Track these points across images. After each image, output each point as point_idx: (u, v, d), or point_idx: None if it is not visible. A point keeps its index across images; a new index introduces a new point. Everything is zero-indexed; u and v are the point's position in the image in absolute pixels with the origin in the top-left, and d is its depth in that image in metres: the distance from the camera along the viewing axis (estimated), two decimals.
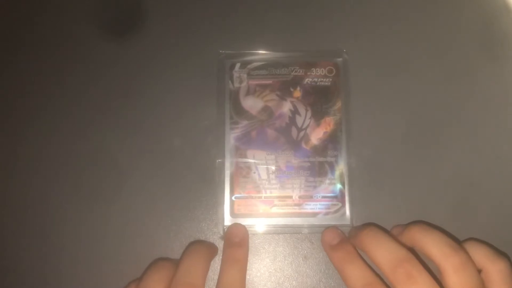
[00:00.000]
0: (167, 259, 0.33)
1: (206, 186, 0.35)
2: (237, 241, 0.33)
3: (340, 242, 0.32)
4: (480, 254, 0.30)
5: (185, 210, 0.35)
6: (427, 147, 0.36)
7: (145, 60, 0.37)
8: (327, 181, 0.35)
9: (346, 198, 0.35)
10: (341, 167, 0.35)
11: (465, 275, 0.28)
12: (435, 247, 0.29)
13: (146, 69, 0.37)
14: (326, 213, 0.35)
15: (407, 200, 0.35)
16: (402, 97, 0.37)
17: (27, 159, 0.36)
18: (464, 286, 0.27)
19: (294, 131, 0.35)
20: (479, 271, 0.29)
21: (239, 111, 0.36)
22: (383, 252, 0.29)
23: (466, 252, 0.29)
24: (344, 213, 0.35)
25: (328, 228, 0.34)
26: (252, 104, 0.36)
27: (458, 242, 0.30)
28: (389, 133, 0.36)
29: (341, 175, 0.35)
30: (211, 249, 0.33)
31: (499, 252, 0.30)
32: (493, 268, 0.29)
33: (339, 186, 0.35)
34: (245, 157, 0.35)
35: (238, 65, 0.36)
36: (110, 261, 0.35)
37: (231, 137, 0.35)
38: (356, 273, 0.30)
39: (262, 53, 0.37)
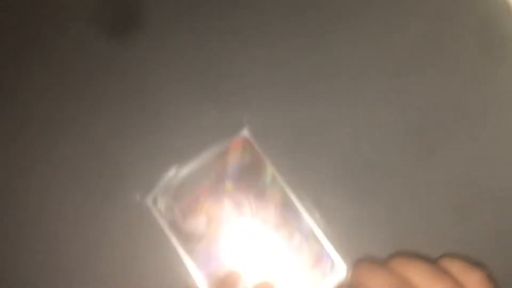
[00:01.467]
0: None
1: None
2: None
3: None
4: (456, 269, 0.30)
5: None
6: (426, 147, 0.36)
7: (145, 60, 0.38)
8: (309, 249, 0.34)
9: (330, 251, 0.34)
10: (309, 226, 0.34)
11: None
12: (419, 276, 0.29)
13: (146, 69, 0.37)
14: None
15: (407, 200, 0.35)
16: (401, 97, 0.37)
17: (27, 159, 0.36)
18: None
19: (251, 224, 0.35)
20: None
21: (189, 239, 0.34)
22: (378, 280, 0.29)
23: (450, 277, 0.29)
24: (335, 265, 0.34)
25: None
26: (195, 224, 0.34)
27: (433, 261, 0.30)
28: (389, 133, 0.36)
29: (314, 235, 0.34)
30: None
31: (475, 264, 0.30)
32: (471, 279, 0.29)
33: (321, 245, 0.34)
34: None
35: (159, 196, 0.35)
36: (110, 261, 0.35)
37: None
38: None
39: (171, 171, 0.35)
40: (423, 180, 0.36)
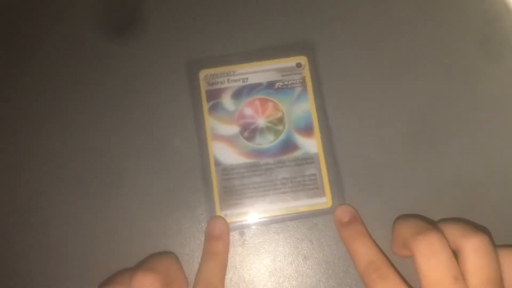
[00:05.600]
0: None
1: (206, 186, 0.36)
2: (216, 234, 0.33)
3: (350, 220, 0.33)
4: (453, 233, 0.29)
5: (185, 210, 0.35)
6: (426, 147, 0.36)
7: (144, 60, 0.38)
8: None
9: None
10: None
11: (436, 260, 0.27)
12: (409, 229, 0.30)
13: (146, 69, 0.37)
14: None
15: (406, 201, 0.35)
16: (401, 97, 0.37)
17: (28, 160, 0.36)
18: (435, 269, 0.27)
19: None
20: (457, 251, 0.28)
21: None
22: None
23: (438, 232, 0.28)
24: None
25: (341, 205, 0.34)
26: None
27: (432, 223, 0.31)
28: (390, 133, 0.36)
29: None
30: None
31: (476, 228, 0.29)
32: (467, 245, 0.27)
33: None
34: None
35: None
36: (110, 260, 0.35)
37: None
38: (363, 250, 0.31)
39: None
40: (422, 180, 0.36)
